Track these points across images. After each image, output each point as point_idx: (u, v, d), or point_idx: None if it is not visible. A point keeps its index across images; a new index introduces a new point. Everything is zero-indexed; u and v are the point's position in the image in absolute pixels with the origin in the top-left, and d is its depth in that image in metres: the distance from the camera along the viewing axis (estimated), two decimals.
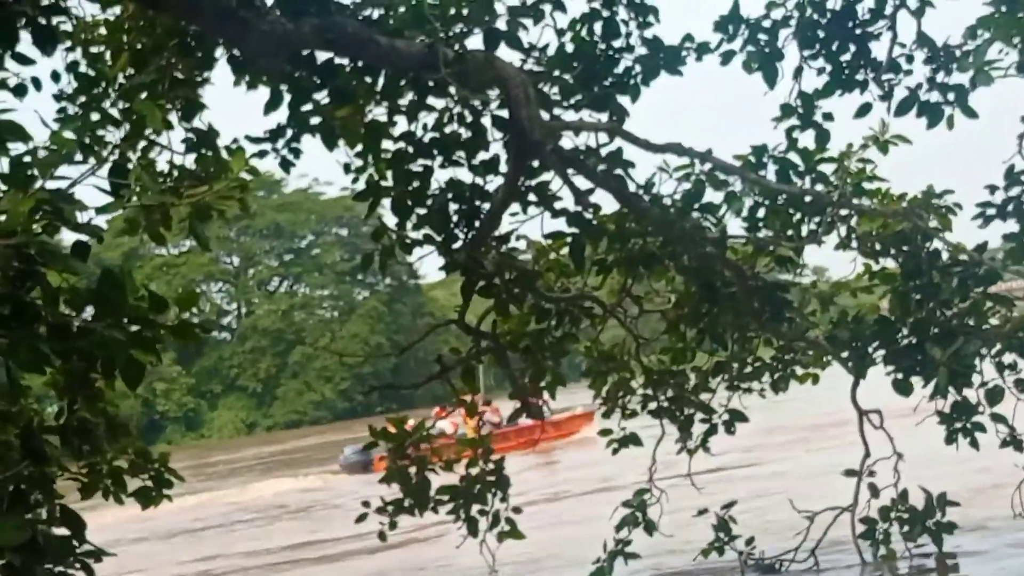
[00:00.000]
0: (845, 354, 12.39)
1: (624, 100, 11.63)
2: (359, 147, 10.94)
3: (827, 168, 12.48)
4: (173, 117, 10.23)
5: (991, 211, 11.68)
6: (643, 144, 11.37)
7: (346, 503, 26.16)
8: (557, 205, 12.07)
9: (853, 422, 12.89)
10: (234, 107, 13.94)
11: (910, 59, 11.32)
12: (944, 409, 11.92)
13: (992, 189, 11.63)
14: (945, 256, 11.91)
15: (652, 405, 13.92)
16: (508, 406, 14.71)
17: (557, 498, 26.91)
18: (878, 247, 12.60)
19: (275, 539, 26.35)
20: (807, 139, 12.18)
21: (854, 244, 12.80)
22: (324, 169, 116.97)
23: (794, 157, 12.23)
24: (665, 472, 14.10)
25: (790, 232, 12.55)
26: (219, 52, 10.29)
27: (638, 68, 11.59)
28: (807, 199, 12.28)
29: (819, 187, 12.37)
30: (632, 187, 12.26)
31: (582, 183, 12.08)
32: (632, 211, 12.15)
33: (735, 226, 12.89)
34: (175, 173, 10.04)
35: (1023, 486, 11.89)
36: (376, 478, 12.92)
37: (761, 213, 12.47)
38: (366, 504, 11.79)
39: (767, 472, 26.04)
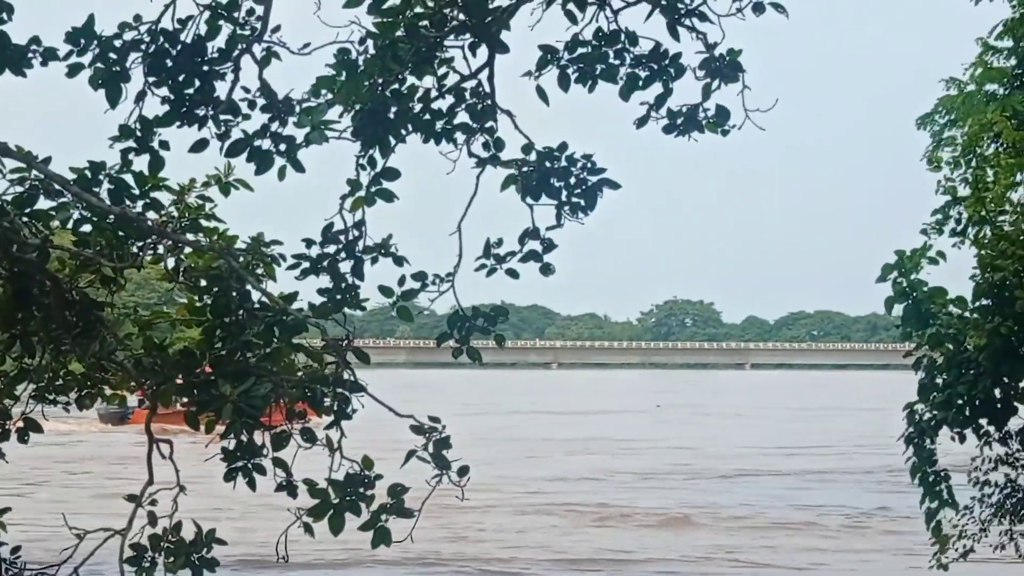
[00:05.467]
0: (148, 380, 12.54)
1: None
2: None
3: (165, 198, 12.65)
4: None
5: (306, 264, 12.24)
6: None
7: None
8: None
9: None
10: None
11: (252, 104, 11.70)
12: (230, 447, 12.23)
13: (309, 243, 12.19)
14: (256, 300, 12.30)
15: None
16: None
17: None
18: (203, 283, 12.83)
19: None
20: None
21: (181, 277, 12.98)
22: None
23: (130, 179, 12.33)
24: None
25: (116, 253, 12.61)
26: None
27: None
28: (136, 224, 12.37)
29: (151, 214, 12.51)
30: None
31: None
32: None
33: (67, 237, 12.86)
34: None
35: (289, 532, 12.38)
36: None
37: (88, 228, 12.46)
38: None
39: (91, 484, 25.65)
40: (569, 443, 40.54)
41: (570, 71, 12.36)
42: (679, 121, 12.44)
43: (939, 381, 13.39)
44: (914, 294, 13.42)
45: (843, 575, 15.50)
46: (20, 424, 13.55)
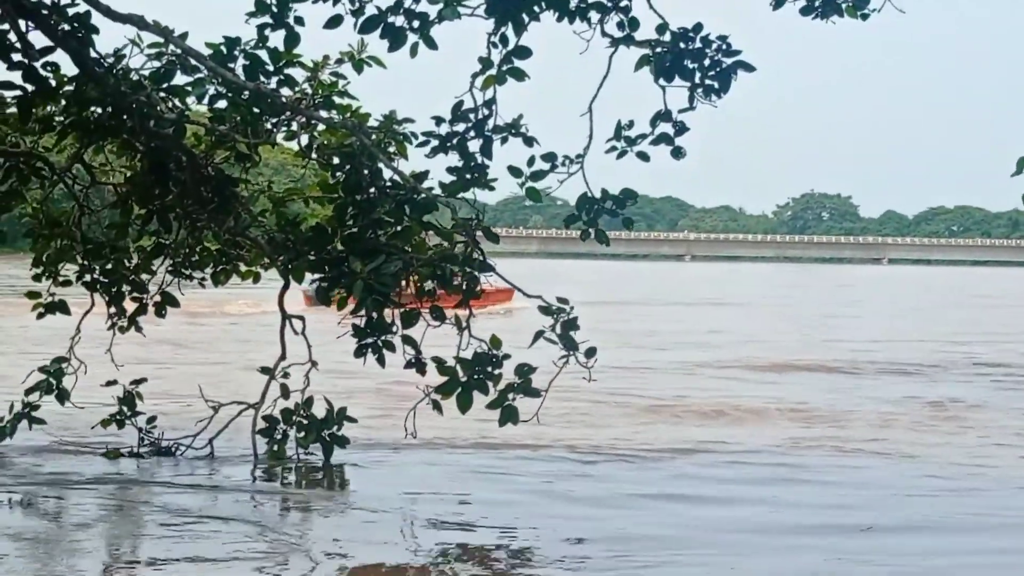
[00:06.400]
0: (281, 256, 12.66)
1: None
2: None
3: (299, 74, 12.67)
4: None
5: (435, 142, 12.23)
6: (104, 10, 11.20)
7: None
8: (15, 57, 11.75)
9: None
10: None
11: None
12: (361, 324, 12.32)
13: (438, 121, 12.15)
14: (388, 178, 12.31)
15: (87, 277, 13.71)
16: None
17: None
18: (336, 160, 12.87)
19: None
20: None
21: (314, 154, 13.03)
22: None
23: (265, 56, 12.36)
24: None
25: (250, 129, 12.66)
26: None
27: None
28: (270, 100, 12.40)
29: (285, 90, 12.54)
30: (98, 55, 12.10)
31: (41, 39, 11.81)
32: (89, 77, 11.95)
33: (203, 112, 12.99)
34: None
35: (416, 409, 12.55)
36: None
37: (223, 104, 12.52)
38: None
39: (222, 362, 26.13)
40: (675, 335, 40.09)
41: None
42: (817, 3, 12.12)
43: None
44: None
45: (947, 467, 15.11)
46: (157, 299, 13.77)
